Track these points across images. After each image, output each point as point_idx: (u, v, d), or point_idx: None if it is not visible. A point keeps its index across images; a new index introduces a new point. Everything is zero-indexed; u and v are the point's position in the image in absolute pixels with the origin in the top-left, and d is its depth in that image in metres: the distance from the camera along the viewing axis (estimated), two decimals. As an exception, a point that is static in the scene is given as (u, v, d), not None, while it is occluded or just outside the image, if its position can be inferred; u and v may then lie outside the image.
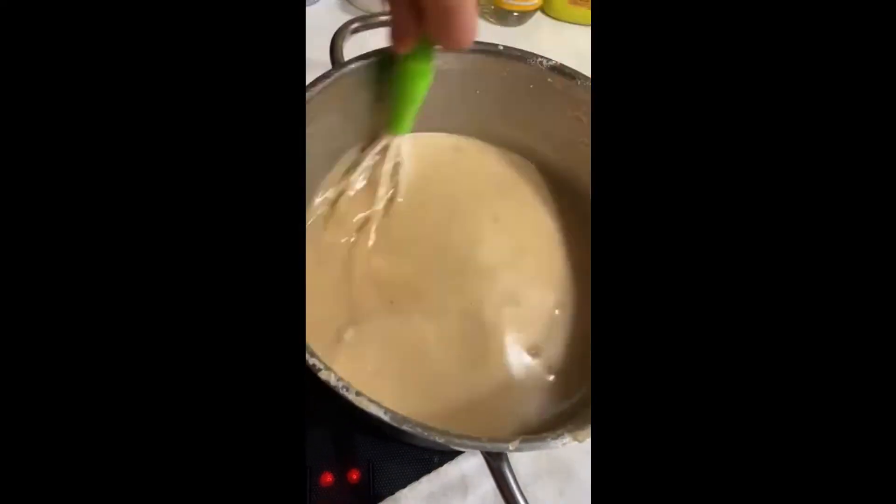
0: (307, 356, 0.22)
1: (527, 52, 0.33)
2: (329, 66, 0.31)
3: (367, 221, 0.34)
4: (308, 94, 0.29)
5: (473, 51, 0.33)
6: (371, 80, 0.31)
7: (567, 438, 0.23)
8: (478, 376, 0.31)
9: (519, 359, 0.32)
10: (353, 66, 0.30)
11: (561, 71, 0.33)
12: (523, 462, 0.35)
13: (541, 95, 0.34)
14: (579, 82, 0.32)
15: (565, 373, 0.32)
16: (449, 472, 0.35)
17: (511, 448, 0.22)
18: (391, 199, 0.35)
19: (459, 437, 0.22)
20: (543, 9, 0.56)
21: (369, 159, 0.33)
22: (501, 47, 0.33)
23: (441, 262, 0.34)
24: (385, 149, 0.32)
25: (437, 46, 0.28)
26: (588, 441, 0.36)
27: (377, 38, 0.33)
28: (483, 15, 0.55)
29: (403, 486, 0.34)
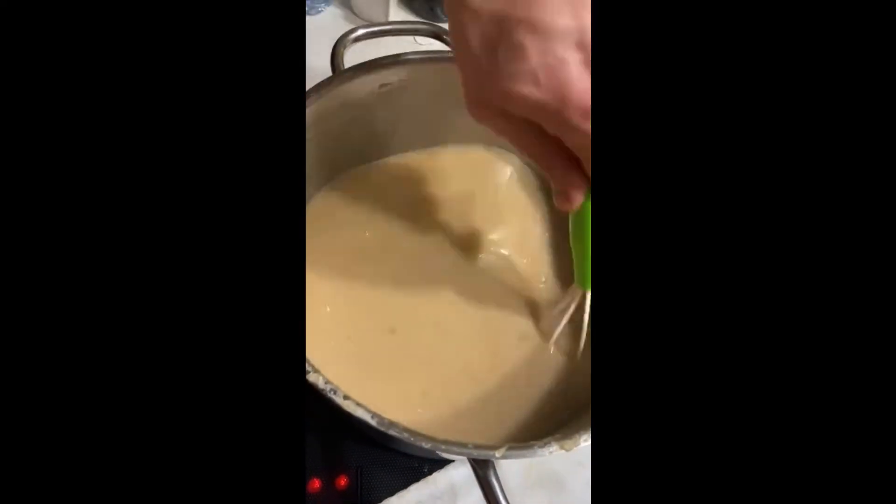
0: (296, 358, 0.23)
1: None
2: (329, 74, 0.31)
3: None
4: (309, 100, 0.30)
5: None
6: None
7: (554, 447, 0.23)
8: (469, 385, 0.31)
9: (512, 366, 0.32)
10: (352, 73, 0.31)
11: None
12: (513, 473, 0.35)
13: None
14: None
15: (559, 381, 0.32)
16: (438, 480, 0.34)
17: (497, 455, 0.22)
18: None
19: (446, 442, 0.22)
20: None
21: (561, 310, 0.31)
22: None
23: (439, 271, 0.34)
24: (580, 301, 0.30)
25: None
26: (577, 452, 0.36)
27: (377, 49, 0.33)
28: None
29: (391, 494, 0.33)
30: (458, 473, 0.35)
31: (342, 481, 0.34)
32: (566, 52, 0.19)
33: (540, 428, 0.30)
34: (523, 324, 0.34)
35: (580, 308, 0.30)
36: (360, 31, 0.34)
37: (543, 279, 0.36)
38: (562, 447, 0.23)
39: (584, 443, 0.23)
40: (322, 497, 0.33)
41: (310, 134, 0.31)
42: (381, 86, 0.33)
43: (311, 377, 0.22)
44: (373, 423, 0.22)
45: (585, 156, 0.22)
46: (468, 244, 0.35)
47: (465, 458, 0.33)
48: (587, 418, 0.25)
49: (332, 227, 0.35)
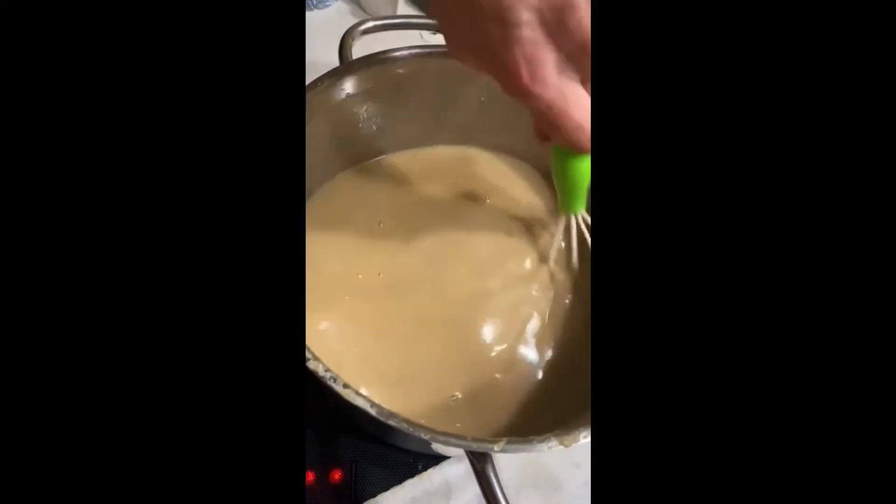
0: (296, 345, 0.22)
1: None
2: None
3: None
4: (317, 89, 0.30)
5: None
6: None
7: (553, 442, 0.23)
8: (469, 379, 0.31)
9: (511, 364, 0.32)
10: (359, 64, 0.31)
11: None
12: (509, 472, 0.35)
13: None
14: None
15: (558, 379, 0.32)
16: (433, 477, 0.34)
17: (496, 448, 0.22)
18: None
19: (444, 434, 0.22)
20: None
21: (559, 235, 0.33)
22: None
23: (436, 262, 0.34)
24: (567, 225, 0.32)
25: None
26: (574, 454, 0.36)
27: (383, 43, 0.33)
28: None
29: (386, 490, 0.33)
30: (453, 471, 0.34)
31: (336, 475, 0.33)
32: (489, 26, 0.20)
33: (538, 426, 0.30)
34: (521, 315, 0.34)
35: (568, 229, 0.32)
36: (370, 24, 0.34)
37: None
38: (561, 443, 0.23)
39: (584, 439, 0.23)
40: (316, 490, 0.33)
41: (316, 123, 0.31)
42: (390, 78, 0.33)
43: (311, 364, 0.22)
44: (372, 412, 0.22)
45: (532, 116, 0.23)
46: (472, 240, 0.35)
47: (460, 455, 0.34)
48: (587, 415, 0.25)
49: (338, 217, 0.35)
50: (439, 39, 0.40)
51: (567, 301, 0.35)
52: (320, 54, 0.47)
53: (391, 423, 0.22)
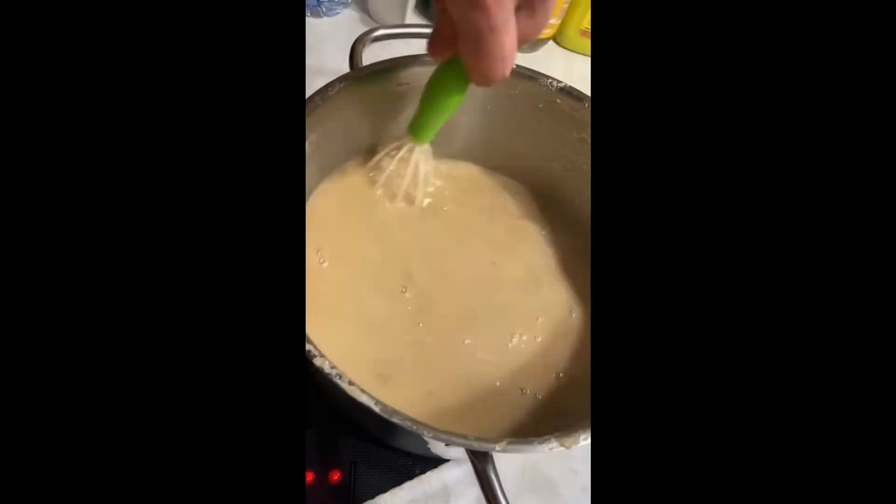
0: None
1: (538, 73, 0.34)
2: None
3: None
4: (326, 94, 0.30)
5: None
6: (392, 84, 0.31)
7: (554, 443, 0.23)
8: (472, 382, 0.31)
9: (511, 371, 0.32)
10: (369, 70, 0.31)
11: (569, 93, 0.34)
12: (507, 477, 0.35)
13: (549, 115, 0.35)
14: (587, 105, 0.34)
15: (558, 388, 0.32)
16: (431, 480, 0.34)
17: (497, 448, 0.22)
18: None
19: (447, 433, 0.22)
20: (556, 38, 0.58)
21: (387, 157, 0.33)
22: (514, 65, 0.34)
23: (437, 271, 0.35)
24: (406, 152, 0.32)
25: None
26: (572, 459, 0.36)
27: (392, 51, 0.34)
28: (497, 40, 0.56)
29: (384, 491, 0.33)
30: (453, 474, 0.34)
31: (335, 476, 0.33)
32: None
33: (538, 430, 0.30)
34: (523, 320, 0.34)
35: (406, 160, 0.32)
36: (380, 31, 0.35)
37: (545, 279, 0.36)
38: (562, 444, 0.23)
39: (584, 441, 0.23)
40: (314, 490, 0.33)
41: (326, 126, 0.31)
42: (399, 85, 0.34)
43: (318, 361, 0.22)
44: (376, 409, 0.22)
45: (459, 32, 0.22)
46: (469, 252, 0.36)
47: (459, 458, 0.34)
48: (587, 419, 0.25)
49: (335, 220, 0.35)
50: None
51: (568, 308, 0.35)
52: (330, 61, 0.48)
53: (395, 420, 0.22)
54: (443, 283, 0.34)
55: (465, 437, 0.22)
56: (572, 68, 0.57)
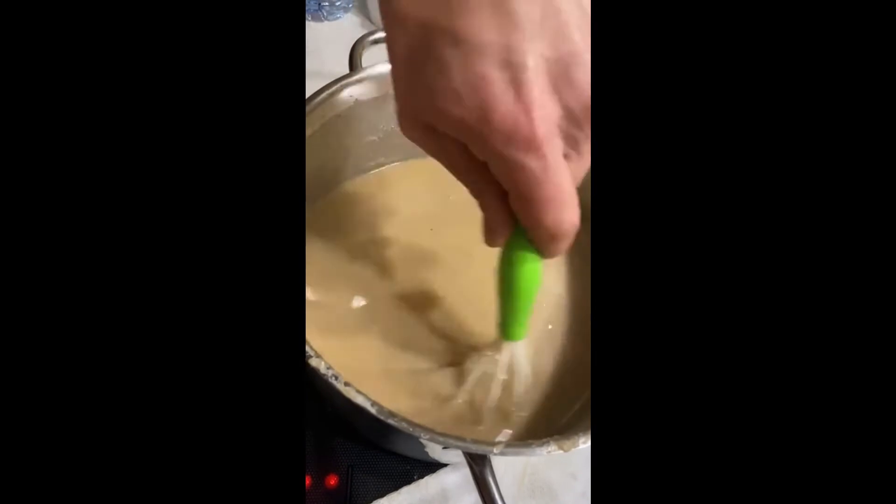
0: (299, 342, 0.22)
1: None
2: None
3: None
4: (325, 95, 0.30)
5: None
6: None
7: (552, 446, 0.23)
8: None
9: (511, 373, 0.32)
10: (369, 71, 0.32)
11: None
12: (506, 482, 0.35)
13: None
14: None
15: (558, 389, 0.32)
16: (429, 485, 0.34)
17: (495, 451, 0.22)
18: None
19: (444, 435, 0.22)
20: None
21: (480, 367, 0.28)
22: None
23: (437, 273, 0.35)
24: (497, 353, 0.27)
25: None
26: (571, 464, 0.36)
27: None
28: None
29: (381, 496, 0.33)
30: (450, 479, 0.34)
31: (332, 480, 0.33)
32: (489, 68, 0.17)
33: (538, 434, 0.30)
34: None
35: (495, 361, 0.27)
36: (380, 34, 0.35)
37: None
38: (560, 447, 0.23)
39: (584, 444, 0.23)
40: (311, 495, 0.33)
41: (322, 128, 0.31)
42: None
43: (314, 362, 0.22)
44: (372, 410, 0.22)
45: (511, 188, 0.19)
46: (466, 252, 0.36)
47: (457, 462, 0.33)
48: (587, 423, 0.25)
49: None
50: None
51: (570, 313, 0.35)
52: (330, 64, 0.49)
53: (391, 422, 0.22)
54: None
55: (462, 439, 0.22)
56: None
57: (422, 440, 0.23)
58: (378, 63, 0.32)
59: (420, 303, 0.33)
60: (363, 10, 0.54)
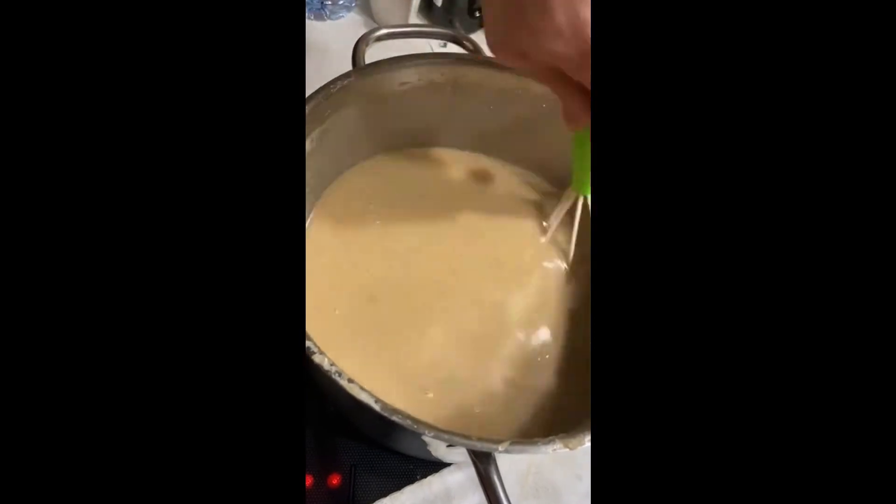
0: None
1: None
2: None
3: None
4: (328, 91, 0.30)
5: (491, 67, 0.34)
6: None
7: (558, 444, 0.22)
8: (476, 384, 0.31)
9: (516, 370, 0.32)
10: (372, 69, 0.31)
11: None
12: (510, 482, 0.34)
13: (553, 115, 0.35)
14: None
15: (560, 386, 0.32)
16: (432, 484, 0.33)
17: (500, 449, 0.22)
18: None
19: (448, 432, 0.22)
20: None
21: (558, 211, 0.35)
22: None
23: (435, 269, 0.34)
24: (574, 203, 0.34)
25: None
26: (576, 465, 0.36)
27: (395, 52, 0.34)
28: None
29: (385, 496, 0.33)
30: (454, 478, 0.34)
31: (335, 480, 0.33)
32: (587, 9, 0.20)
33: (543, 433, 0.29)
34: (526, 316, 0.33)
35: (573, 211, 0.34)
36: (383, 31, 0.35)
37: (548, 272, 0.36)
38: (566, 445, 0.22)
39: (589, 442, 0.23)
40: (313, 494, 0.32)
41: (326, 125, 0.31)
42: (401, 84, 0.34)
43: (317, 358, 0.22)
44: (376, 407, 0.21)
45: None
46: (468, 248, 0.36)
47: (461, 462, 0.33)
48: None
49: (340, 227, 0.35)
50: (447, 49, 0.41)
51: (577, 307, 0.35)
52: (333, 63, 0.48)
53: (395, 419, 0.21)
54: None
55: (467, 437, 0.22)
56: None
57: (425, 437, 0.22)
58: (381, 60, 0.32)
59: (432, 305, 0.33)
60: (366, 10, 0.54)
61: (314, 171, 0.32)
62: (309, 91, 0.30)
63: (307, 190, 0.33)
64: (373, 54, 0.34)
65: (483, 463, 0.23)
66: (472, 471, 0.23)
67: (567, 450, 0.22)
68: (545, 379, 0.32)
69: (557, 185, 0.39)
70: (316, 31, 0.52)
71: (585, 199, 0.34)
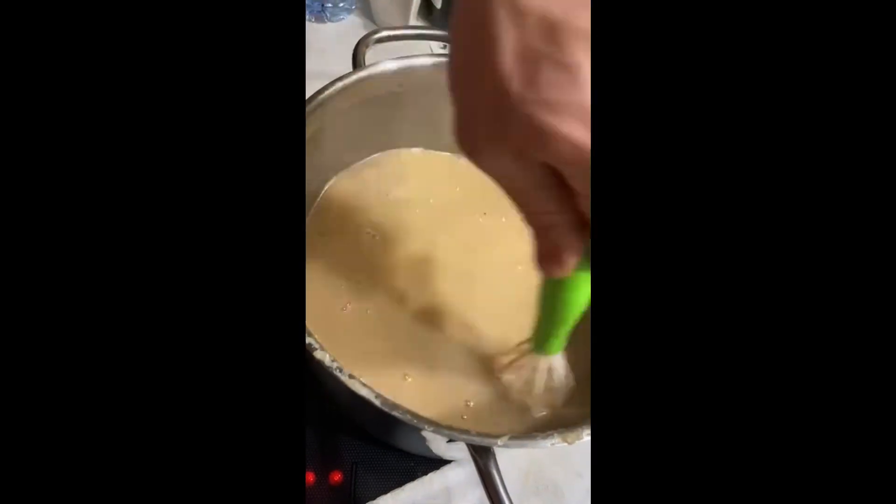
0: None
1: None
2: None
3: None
4: (329, 92, 0.30)
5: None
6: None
7: (556, 439, 0.22)
8: (475, 382, 0.31)
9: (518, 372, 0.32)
10: (372, 69, 0.32)
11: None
12: (510, 479, 0.34)
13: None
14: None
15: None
16: (433, 481, 0.34)
17: (500, 443, 0.22)
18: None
19: (448, 427, 0.22)
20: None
21: (517, 375, 0.28)
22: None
23: (437, 271, 0.35)
24: (534, 368, 0.27)
25: None
26: (576, 462, 0.36)
27: (395, 54, 0.34)
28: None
29: (385, 493, 0.33)
30: (455, 475, 0.34)
31: (336, 477, 0.33)
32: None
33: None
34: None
35: (536, 370, 0.27)
36: (384, 33, 0.35)
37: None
38: (564, 440, 0.23)
39: (588, 437, 0.23)
40: (315, 491, 0.33)
41: (326, 124, 0.32)
42: (400, 85, 0.34)
43: (318, 354, 0.22)
44: (376, 402, 0.22)
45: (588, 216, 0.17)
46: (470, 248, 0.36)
47: (461, 459, 0.33)
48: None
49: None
50: (447, 51, 0.41)
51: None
52: (334, 65, 0.49)
53: (395, 414, 0.22)
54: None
55: (466, 431, 0.22)
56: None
57: (425, 433, 0.23)
58: (381, 62, 0.33)
59: (428, 306, 0.33)
60: (366, 12, 0.54)
61: (314, 170, 0.33)
62: (309, 93, 0.30)
63: (306, 189, 0.33)
64: (373, 56, 0.34)
65: (483, 458, 0.23)
66: (472, 468, 0.23)
67: (566, 444, 0.23)
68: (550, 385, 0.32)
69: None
70: (316, 33, 0.52)
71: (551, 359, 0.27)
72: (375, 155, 0.38)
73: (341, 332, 0.31)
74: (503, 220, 0.38)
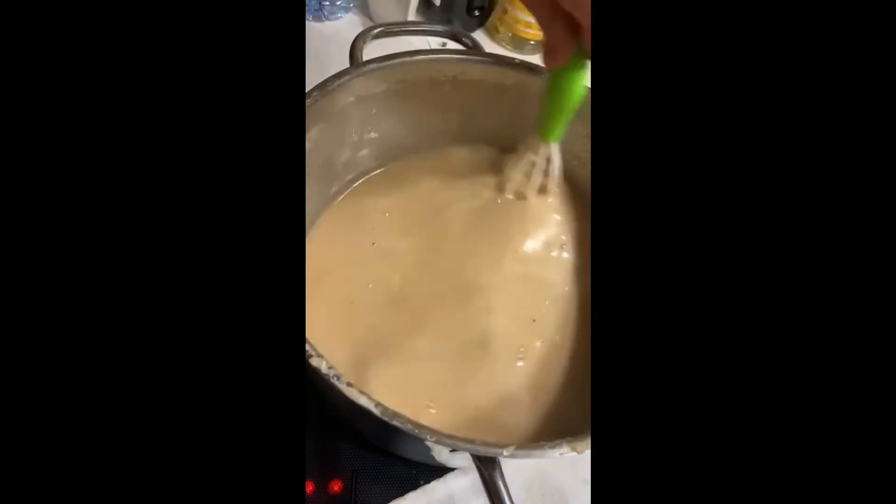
0: (299, 340, 0.22)
1: (541, 67, 0.33)
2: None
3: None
4: (326, 89, 0.30)
5: (492, 63, 0.34)
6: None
7: (565, 448, 0.21)
8: (478, 389, 0.30)
9: (521, 374, 0.31)
10: (370, 66, 0.31)
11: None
12: (515, 487, 0.33)
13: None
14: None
15: (567, 389, 0.31)
16: (436, 490, 0.33)
17: (505, 453, 0.21)
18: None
19: (451, 437, 0.21)
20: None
21: (525, 160, 0.34)
22: (517, 60, 0.34)
23: (438, 274, 0.34)
24: (538, 152, 0.33)
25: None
26: (584, 470, 0.35)
27: (393, 50, 0.33)
28: (501, 43, 0.56)
29: (387, 502, 0.32)
30: (457, 484, 0.33)
31: (336, 486, 0.32)
32: None
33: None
34: (536, 331, 0.33)
35: (540, 162, 0.33)
36: (381, 28, 0.35)
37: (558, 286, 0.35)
38: (573, 449, 0.22)
39: (597, 446, 0.22)
40: (314, 501, 0.32)
41: (325, 121, 0.31)
42: (398, 81, 0.33)
43: (315, 361, 0.21)
44: (376, 412, 0.21)
45: (585, 25, 0.23)
46: (472, 251, 0.35)
47: (464, 466, 0.32)
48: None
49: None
50: (447, 46, 0.40)
51: (580, 312, 0.34)
52: (332, 63, 0.48)
53: (395, 423, 0.21)
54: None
55: (470, 441, 0.21)
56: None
57: (428, 443, 0.22)
58: (377, 58, 0.32)
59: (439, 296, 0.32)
60: (364, 10, 0.54)
61: (314, 170, 0.32)
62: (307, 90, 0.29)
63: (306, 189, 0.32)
64: (370, 52, 0.33)
65: (487, 468, 0.22)
66: (475, 475, 0.22)
67: (575, 453, 0.22)
68: (556, 391, 0.31)
69: (566, 181, 0.38)
70: (314, 31, 0.52)
71: (555, 145, 0.33)
72: (377, 155, 0.37)
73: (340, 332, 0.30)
74: (518, 213, 0.37)
